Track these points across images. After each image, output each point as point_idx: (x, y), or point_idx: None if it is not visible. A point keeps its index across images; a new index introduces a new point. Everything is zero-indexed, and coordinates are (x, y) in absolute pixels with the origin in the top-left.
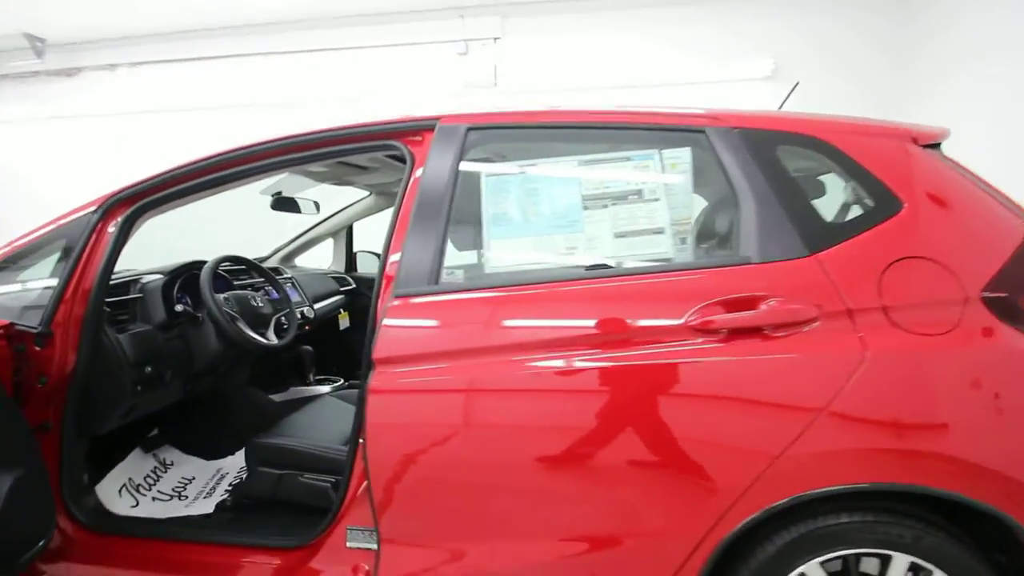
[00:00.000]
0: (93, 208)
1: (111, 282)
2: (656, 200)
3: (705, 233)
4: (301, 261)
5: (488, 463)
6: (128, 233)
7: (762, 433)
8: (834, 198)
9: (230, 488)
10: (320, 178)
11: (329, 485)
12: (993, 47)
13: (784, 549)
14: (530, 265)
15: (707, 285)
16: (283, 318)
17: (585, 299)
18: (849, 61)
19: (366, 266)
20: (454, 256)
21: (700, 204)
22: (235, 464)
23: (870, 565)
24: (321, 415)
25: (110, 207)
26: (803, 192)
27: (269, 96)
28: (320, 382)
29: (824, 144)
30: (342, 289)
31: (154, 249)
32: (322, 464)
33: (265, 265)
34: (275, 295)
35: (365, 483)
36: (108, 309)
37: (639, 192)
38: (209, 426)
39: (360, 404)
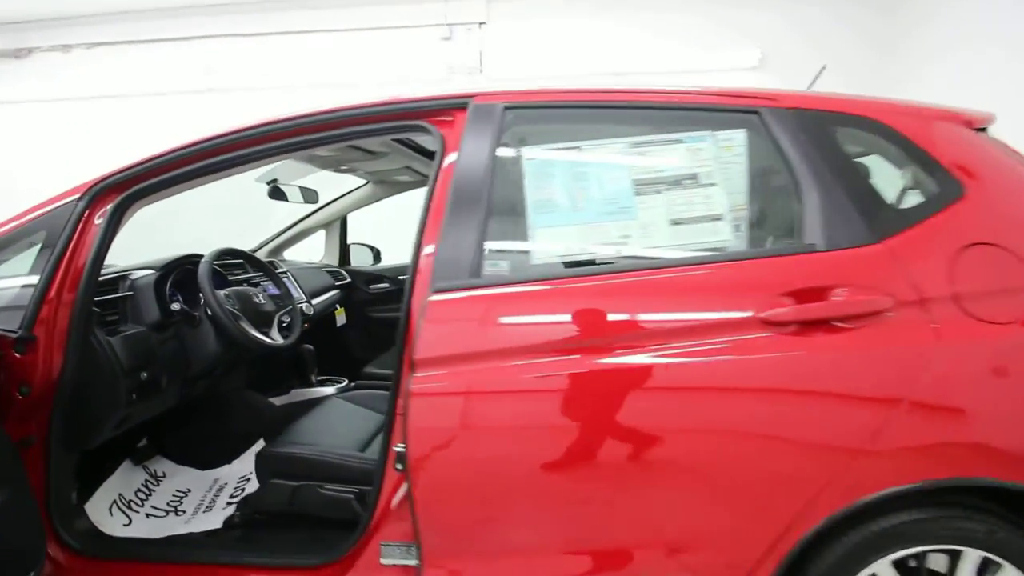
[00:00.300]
0: (77, 196)
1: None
2: (712, 185)
3: (763, 219)
4: (289, 254)
5: (550, 467)
6: (119, 223)
7: (839, 430)
8: (879, 182)
9: (232, 500)
10: (322, 164)
11: (352, 496)
12: (975, 33)
13: (855, 549)
14: (581, 255)
15: (774, 275)
16: (285, 316)
17: (646, 291)
18: (834, 50)
19: (359, 259)
20: (496, 247)
21: (755, 188)
22: (233, 474)
23: (938, 562)
24: (331, 419)
25: (97, 194)
26: (865, 175)
27: (240, 80)
28: (321, 383)
29: (883, 126)
30: (337, 284)
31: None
32: (343, 473)
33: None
34: (273, 291)
35: (400, 493)
36: (97, 309)
37: (694, 176)
38: (203, 433)
39: (392, 407)
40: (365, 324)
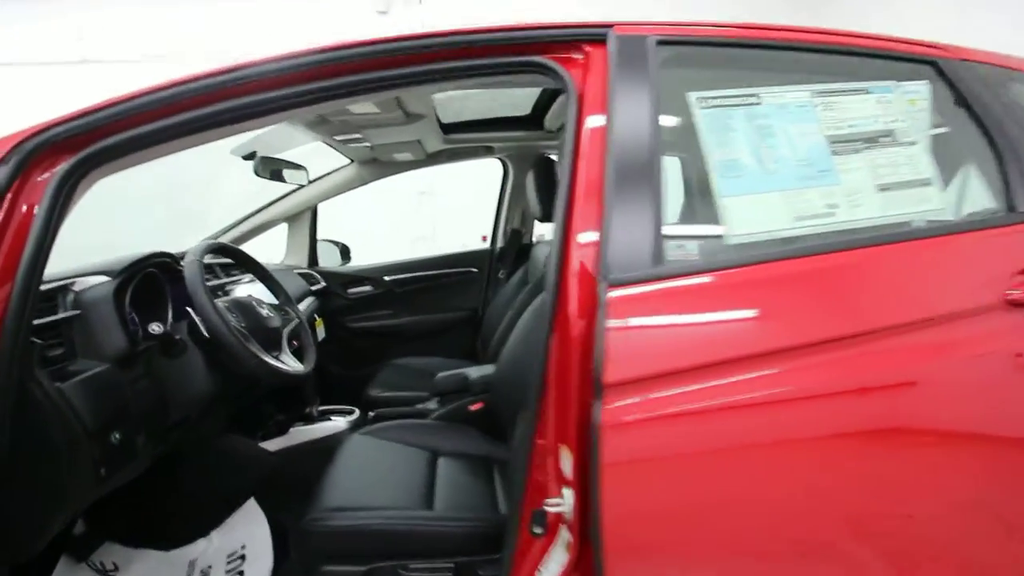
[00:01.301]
0: None
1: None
2: (913, 144)
3: (960, 185)
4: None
5: (825, 508)
6: (68, 204)
7: None
8: None
9: None
10: (328, 131)
11: (450, 570)
12: None
13: None
14: (784, 230)
15: (1006, 249)
16: (292, 333)
17: (881, 272)
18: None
19: (325, 259)
20: (680, 226)
21: (944, 148)
22: (216, 552)
23: None
24: (368, 466)
25: (29, 158)
26: None
27: (145, 48)
28: (322, 415)
29: None
30: (312, 289)
31: None
32: (425, 544)
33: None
34: (268, 301)
35: (554, 568)
36: (37, 340)
37: (890, 133)
38: (167, 499)
39: (528, 448)
40: (346, 337)
